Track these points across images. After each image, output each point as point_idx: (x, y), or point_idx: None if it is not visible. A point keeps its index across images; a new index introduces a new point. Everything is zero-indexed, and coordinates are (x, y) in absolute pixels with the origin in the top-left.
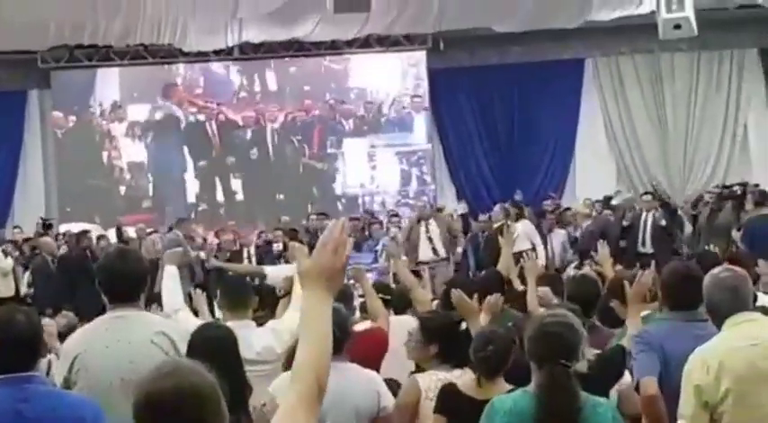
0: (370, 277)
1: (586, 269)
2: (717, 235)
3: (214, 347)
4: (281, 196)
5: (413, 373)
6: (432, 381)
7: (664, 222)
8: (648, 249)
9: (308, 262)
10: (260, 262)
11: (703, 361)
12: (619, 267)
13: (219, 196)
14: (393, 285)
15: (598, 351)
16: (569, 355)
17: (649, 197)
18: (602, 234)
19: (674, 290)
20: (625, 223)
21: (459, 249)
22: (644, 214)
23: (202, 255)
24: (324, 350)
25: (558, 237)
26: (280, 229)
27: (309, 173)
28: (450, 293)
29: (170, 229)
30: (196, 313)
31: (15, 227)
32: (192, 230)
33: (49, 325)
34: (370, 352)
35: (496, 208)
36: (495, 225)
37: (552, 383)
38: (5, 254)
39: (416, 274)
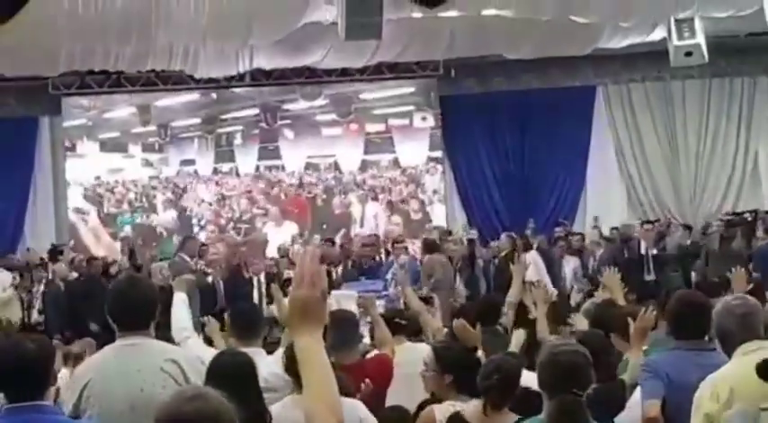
0: (380, 304)
1: (597, 297)
2: (732, 262)
3: (232, 374)
4: (292, 223)
5: (427, 402)
6: (448, 411)
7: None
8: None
9: (288, 302)
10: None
11: (713, 389)
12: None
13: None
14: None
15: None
16: (581, 384)
17: (650, 226)
18: (615, 262)
19: (681, 319)
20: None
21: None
22: (643, 243)
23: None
24: (330, 387)
25: (570, 263)
26: (285, 256)
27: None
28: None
29: (175, 253)
30: (210, 342)
31: (28, 249)
32: (201, 249)
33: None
34: (374, 381)
35: (503, 237)
36: (503, 252)
37: (563, 413)
38: (14, 286)
39: (426, 301)
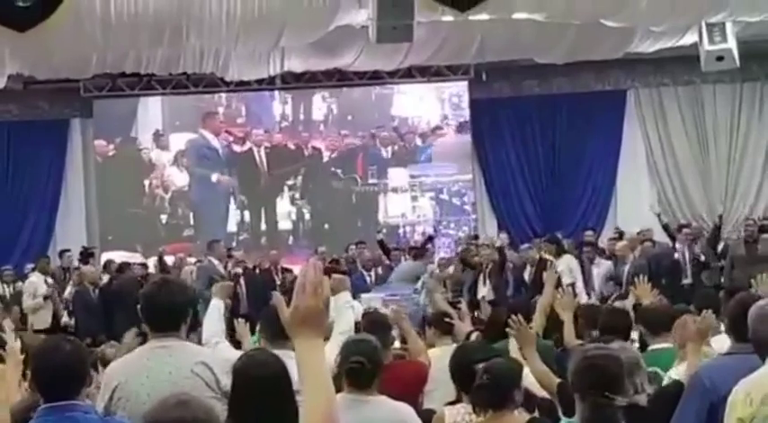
0: (408, 309)
1: (628, 301)
2: (758, 267)
3: (257, 375)
4: (326, 226)
5: (450, 403)
6: (459, 413)
7: (702, 257)
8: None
9: (290, 311)
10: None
11: (746, 393)
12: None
13: (262, 225)
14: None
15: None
16: (613, 387)
17: (687, 230)
18: (650, 266)
19: (741, 322)
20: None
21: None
22: (680, 247)
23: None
24: (329, 396)
25: (602, 268)
26: (320, 259)
27: (351, 202)
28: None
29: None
30: (239, 345)
31: (65, 250)
32: (225, 254)
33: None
34: (406, 384)
35: (527, 245)
36: (536, 256)
37: (596, 416)
38: (48, 283)
39: (454, 305)
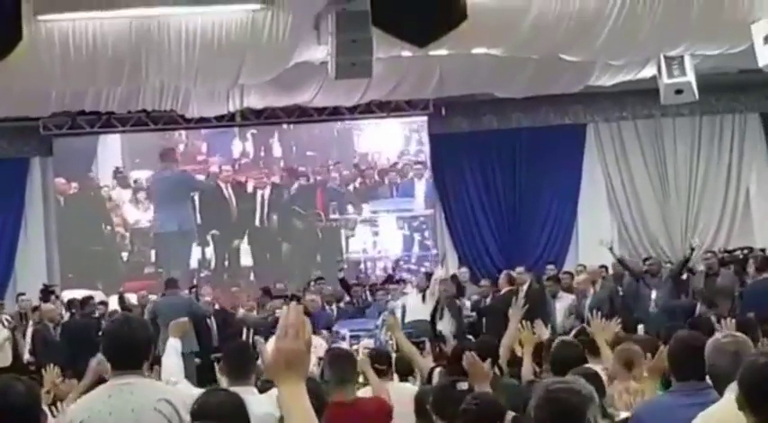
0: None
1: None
2: (717, 299)
3: (218, 414)
4: (286, 262)
5: None
6: None
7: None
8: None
9: (272, 355)
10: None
11: None
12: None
13: (224, 261)
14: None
15: None
16: (575, 421)
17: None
18: (610, 301)
19: (682, 360)
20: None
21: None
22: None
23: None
24: None
25: (564, 302)
26: (281, 296)
27: (312, 238)
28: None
29: (163, 294)
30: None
31: (21, 294)
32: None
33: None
34: (374, 419)
35: (502, 276)
36: (503, 291)
37: None
38: (4, 323)
39: (417, 345)
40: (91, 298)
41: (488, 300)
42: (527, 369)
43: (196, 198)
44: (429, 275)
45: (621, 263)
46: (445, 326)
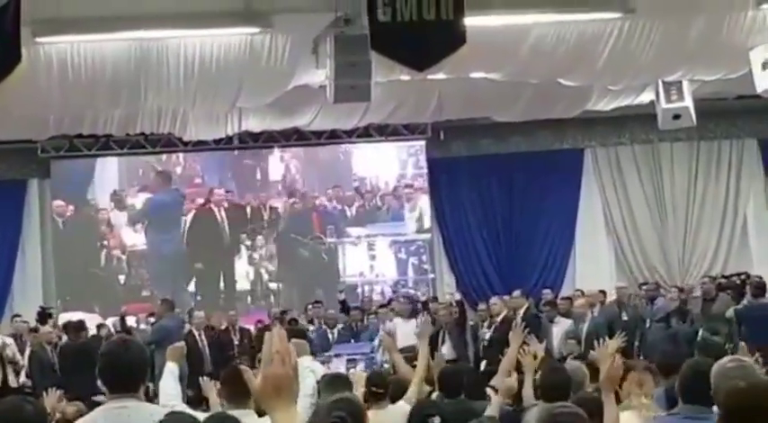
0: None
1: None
2: (715, 324)
3: None
4: (284, 286)
5: None
6: None
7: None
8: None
9: (260, 382)
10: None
11: None
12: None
13: (220, 285)
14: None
15: None
16: None
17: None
18: (609, 326)
19: (691, 384)
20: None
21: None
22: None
23: None
24: None
25: (562, 326)
26: (277, 319)
27: (309, 261)
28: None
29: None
30: (206, 401)
31: (16, 315)
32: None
33: None
34: None
35: (494, 299)
36: (500, 316)
37: None
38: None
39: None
40: (83, 322)
41: (486, 324)
42: (528, 393)
43: (188, 220)
44: (415, 301)
45: None
46: (446, 352)
